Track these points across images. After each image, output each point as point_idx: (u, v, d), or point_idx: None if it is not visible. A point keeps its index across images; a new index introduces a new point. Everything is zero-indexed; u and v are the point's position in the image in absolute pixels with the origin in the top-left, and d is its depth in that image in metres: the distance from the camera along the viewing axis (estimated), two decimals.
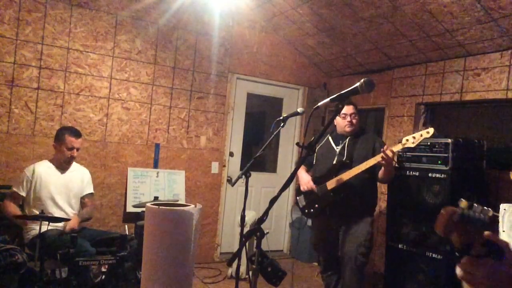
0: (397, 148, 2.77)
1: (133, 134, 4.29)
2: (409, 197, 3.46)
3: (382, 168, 2.84)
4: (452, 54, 3.87)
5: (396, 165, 3.37)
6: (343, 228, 3.09)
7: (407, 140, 2.74)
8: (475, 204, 0.83)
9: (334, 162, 3.07)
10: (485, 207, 0.82)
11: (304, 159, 1.87)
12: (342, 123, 3.14)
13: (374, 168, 2.89)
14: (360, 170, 2.86)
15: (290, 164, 5.37)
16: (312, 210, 3.12)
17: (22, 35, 3.73)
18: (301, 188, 3.18)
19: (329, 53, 4.93)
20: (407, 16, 3.60)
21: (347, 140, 3.13)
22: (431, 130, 2.68)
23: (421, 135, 2.70)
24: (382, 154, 2.71)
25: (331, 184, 2.99)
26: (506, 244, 0.81)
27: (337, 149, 3.13)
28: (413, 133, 2.80)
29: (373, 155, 2.93)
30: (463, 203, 0.83)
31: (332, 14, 4.10)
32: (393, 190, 3.65)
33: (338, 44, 4.63)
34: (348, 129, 3.11)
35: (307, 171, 3.31)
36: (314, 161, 3.26)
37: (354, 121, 3.11)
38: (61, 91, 3.92)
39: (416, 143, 2.70)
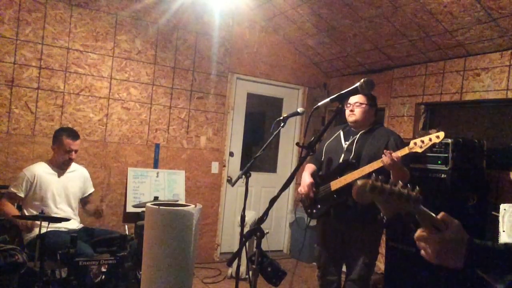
0: (403, 152, 2.50)
1: (133, 134, 4.29)
2: None
3: (391, 171, 2.53)
4: (452, 54, 3.87)
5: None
6: (348, 234, 2.83)
7: (415, 143, 2.48)
8: (392, 181, 0.97)
9: (341, 160, 2.82)
10: (409, 185, 0.97)
11: (304, 160, 1.86)
12: (346, 113, 2.87)
13: (385, 170, 2.53)
14: (363, 173, 2.60)
15: (290, 164, 5.37)
16: (314, 210, 2.91)
17: (22, 35, 3.73)
18: (298, 190, 2.97)
19: (329, 53, 4.93)
20: (407, 16, 3.61)
21: (358, 135, 2.84)
22: (441, 135, 2.43)
23: (430, 140, 2.44)
24: (383, 159, 2.47)
25: (335, 184, 2.74)
26: (447, 217, 0.98)
27: (345, 145, 2.85)
28: (416, 135, 2.61)
29: None
30: (373, 177, 0.96)
31: (332, 14, 4.10)
32: None
33: (338, 44, 4.63)
34: (350, 119, 2.85)
35: (317, 169, 3.01)
36: (322, 157, 2.98)
37: (356, 110, 2.82)
38: (61, 91, 3.92)
39: (424, 147, 2.46)
